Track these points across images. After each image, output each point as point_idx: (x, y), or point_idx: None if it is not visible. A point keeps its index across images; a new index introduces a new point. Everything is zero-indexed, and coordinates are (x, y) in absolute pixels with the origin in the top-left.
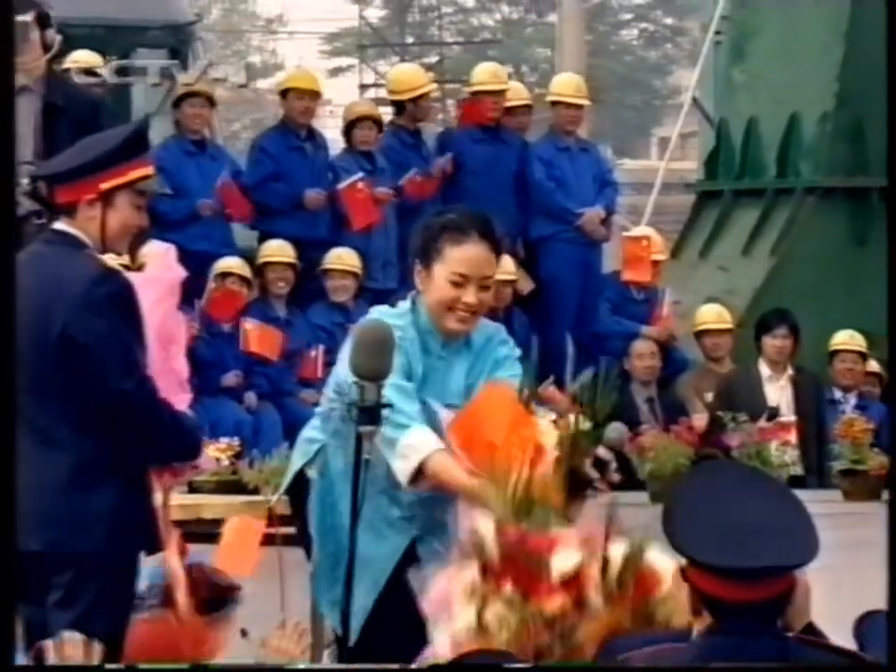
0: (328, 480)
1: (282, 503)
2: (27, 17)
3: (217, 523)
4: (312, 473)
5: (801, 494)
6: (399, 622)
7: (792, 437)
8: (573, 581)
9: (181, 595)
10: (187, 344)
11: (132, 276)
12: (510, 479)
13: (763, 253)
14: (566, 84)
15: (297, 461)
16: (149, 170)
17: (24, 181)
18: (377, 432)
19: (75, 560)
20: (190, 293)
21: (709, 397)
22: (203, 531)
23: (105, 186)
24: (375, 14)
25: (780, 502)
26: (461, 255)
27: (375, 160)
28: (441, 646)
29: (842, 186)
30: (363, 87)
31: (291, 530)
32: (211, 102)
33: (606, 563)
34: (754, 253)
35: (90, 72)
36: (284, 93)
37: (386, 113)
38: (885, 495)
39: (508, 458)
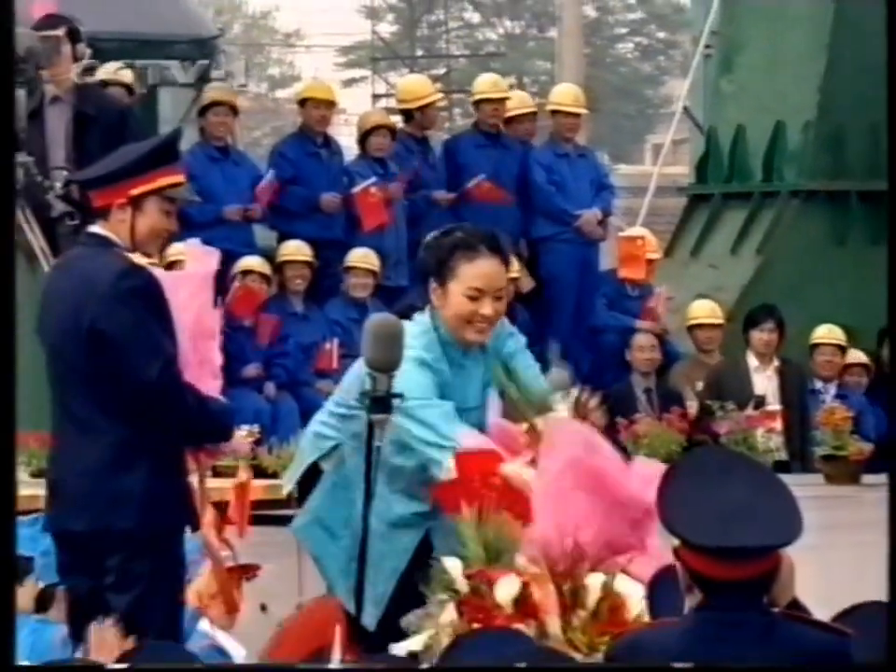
0: (343, 476)
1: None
2: (59, 32)
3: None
4: (326, 466)
5: (785, 478)
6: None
7: (778, 424)
8: (528, 610)
9: (217, 567)
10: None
11: (171, 273)
12: (486, 526)
13: (750, 252)
14: (565, 94)
15: (310, 455)
16: (179, 177)
17: (57, 185)
18: (388, 420)
19: (119, 539)
20: (214, 290)
21: (700, 386)
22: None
23: (133, 192)
24: (387, 29)
25: (766, 486)
26: (475, 271)
27: (388, 165)
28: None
29: (823, 189)
30: (375, 97)
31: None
32: (234, 110)
33: (583, 591)
34: (742, 252)
35: (119, 83)
36: (302, 103)
37: (396, 121)
38: (863, 478)
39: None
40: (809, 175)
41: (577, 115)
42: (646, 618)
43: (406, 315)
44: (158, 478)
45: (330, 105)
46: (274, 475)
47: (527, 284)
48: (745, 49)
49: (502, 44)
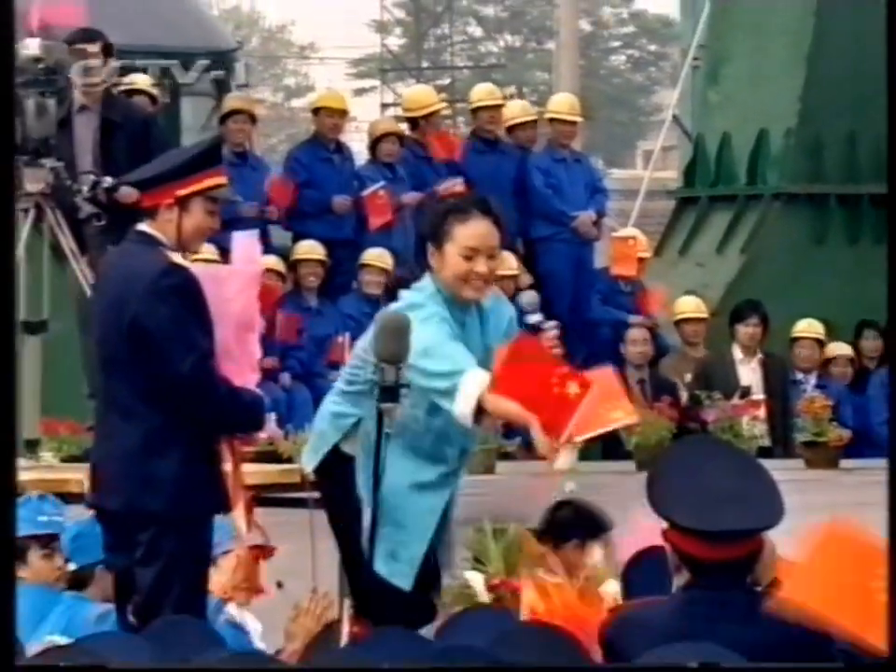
0: (369, 449)
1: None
2: (95, 47)
3: (256, 488)
4: (347, 448)
5: (768, 463)
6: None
7: (761, 413)
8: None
9: (246, 547)
10: None
11: (219, 268)
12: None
13: (735, 251)
14: (562, 103)
15: (332, 437)
16: (222, 179)
17: (85, 188)
18: (397, 409)
19: (150, 519)
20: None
21: (688, 377)
22: None
23: (180, 192)
24: (395, 42)
25: (749, 472)
26: (468, 232)
27: (396, 170)
28: None
29: (804, 192)
30: (384, 106)
31: (317, 495)
32: (252, 118)
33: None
34: (727, 251)
35: (143, 92)
36: (315, 111)
37: (403, 129)
38: (842, 463)
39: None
40: (790, 179)
41: (573, 122)
42: None
43: (398, 287)
44: (190, 464)
45: (342, 113)
46: (290, 460)
47: (526, 281)
48: (730, 61)
49: (503, 56)
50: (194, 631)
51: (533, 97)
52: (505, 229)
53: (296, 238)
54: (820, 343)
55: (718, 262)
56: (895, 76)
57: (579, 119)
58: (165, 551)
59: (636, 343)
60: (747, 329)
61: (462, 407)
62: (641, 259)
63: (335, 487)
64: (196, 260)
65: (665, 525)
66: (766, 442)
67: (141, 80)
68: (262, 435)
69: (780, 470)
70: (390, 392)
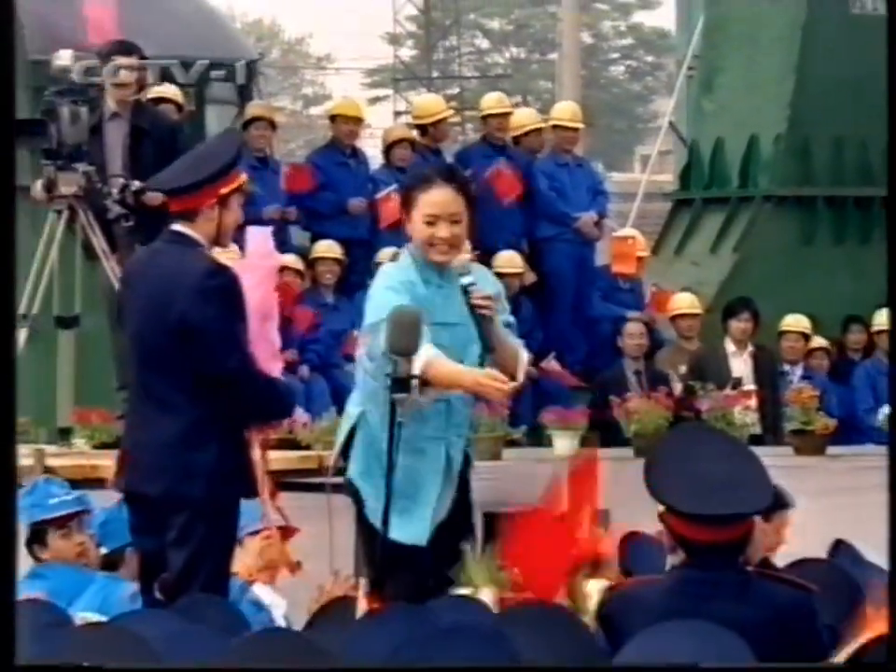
0: (368, 434)
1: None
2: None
3: (278, 473)
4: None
5: (759, 450)
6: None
7: (752, 402)
8: None
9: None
10: None
11: (238, 262)
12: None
13: (728, 250)
14: (564, 111)
15: (345, 427)
16: (245, 175)
17: (114, 191)
18: (408, 399)
19: (186, 504)
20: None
21: (683, 369)
22: None
23: (223, 191)
24: (407, 53)
25: (742, 458)
26: (429, 199)
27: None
28: None
29: (793, 195)
30: (397, 113)
31: (339, 480)
32: (273, 125)
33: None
34: (720, 250)
35: (170, 100)
36: (332, 119)
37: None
38: (828, 450)
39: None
40: (780, 182)
41: (575, 129)
42: None
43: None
44: (225, 453)
45: (358, 120)
46: (308, 447)
47: (530, 278)
48: (723, 71)
49: (509, 67)
50: (219, 609)
51: (537, 105)
52: (473, 196)
53: (314, 238)
54: (806, 337)
55: (711, 261)
56: (895, 77)
57: (580, 125)
58: (197, 534)
59: (632, 336)
60: (738, 324)
61: (409, 366)
62: (640, 258)
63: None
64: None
65: (661, 508)
66: (757, 430)
67: (168, 89)
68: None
69: (771, 457)
70: (402, 383)
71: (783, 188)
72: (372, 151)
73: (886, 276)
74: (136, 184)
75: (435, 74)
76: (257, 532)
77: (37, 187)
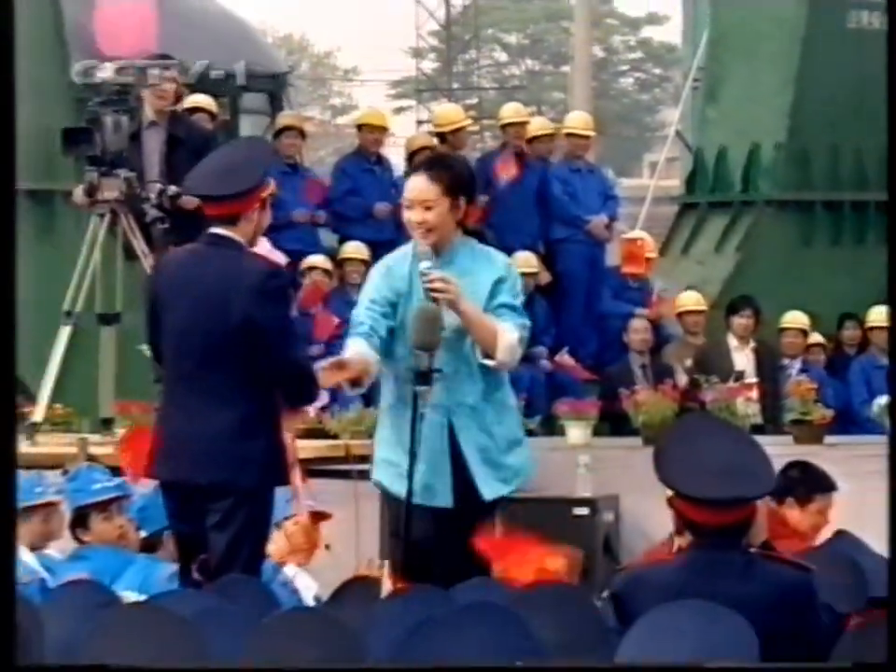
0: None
1: (357, 445)
2: (173, 73)
3: (307, 461)
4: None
5: (760, 439)
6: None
7: (754, 394)
8: None
9: (304, 512)
10: None
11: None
12: None
13: (731, 251)
14: (577, 120)
15: None
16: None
17: (152, 196)
18: (429, 391)
19: (236, 491)
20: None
21: (689, 363)
22: None
23: (263, 195)
24: (429, 66)
25: (744, 446)
26: (408, 186)
27: None
28: None
29: (792, 199)
30: (419, 123)
31: (364, 467)
32: (302, 134)
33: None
34: (724, 251)
35: (204, 110)
36: (359, 128)
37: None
38: (826, 439)
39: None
40: (780, 187)
41: (587, 137)
42: None
43: None
44: (273, 443)
45: (383, 129)
46: (335, 437)
47: (545, 277)
48: (726, 82)
49: (524, 79)
50: (253, 590)
51: (551, 115)
52: (458, 185)
53: (342, 240)
54: (805, 333)
55: (715, 261)
56: (895, 79)
57: (592, 133)
58: (240, 518)
59: (637, 331)
60: (741, 321)
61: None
62: (648, 259)
63: None
64: None
65: (669, 493)
66: (758, 420)
67: (202, 100)
68: (312, 414)
69: (771, 445)
70: (424, 377)
71: (783, 192)
72: (396, 158)
73: (882, 276)
74: (172, 189)
75: (455, 85)
76: (288, 517)
77: (78, 192)
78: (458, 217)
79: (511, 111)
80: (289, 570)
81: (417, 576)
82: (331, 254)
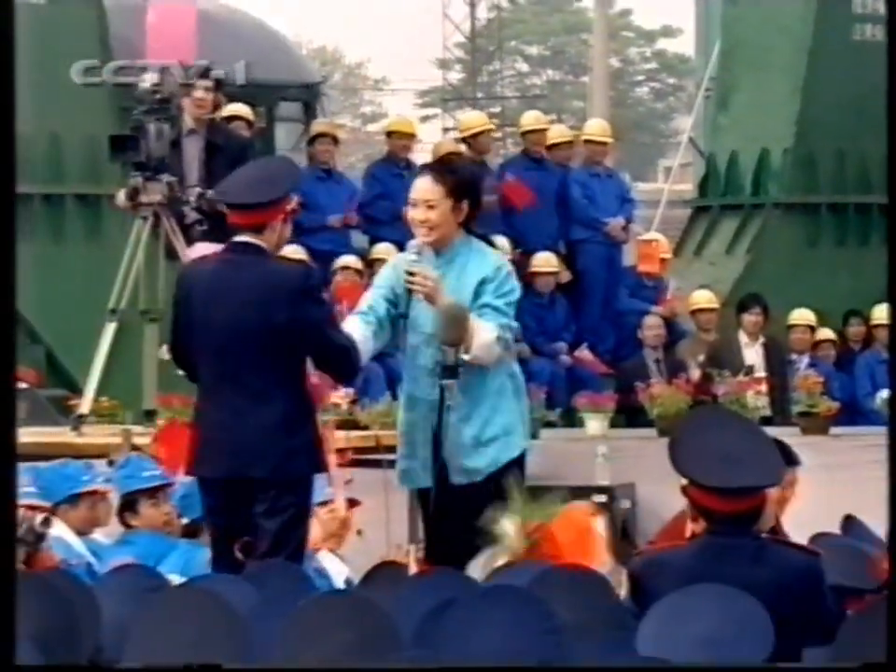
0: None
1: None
2: (209, 83)
3: (340, 451)
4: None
5: (769, 430)
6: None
7: (763, 388)
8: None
9: (340, 497)
10: None
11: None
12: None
13: (742, 252)
14: (595, 127)
15: None
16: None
17: (191, 199)
18: (455, 384)
19: (287, 482)
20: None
21: (701, 358)
22: None
23: (289, 207)
24: (455, 76)
25: (754, 437)
26: (413, 186)
27: None
28: None
29: (799, 202)
30: (445, 130)
31: (393, 457)
32: (335, 141)
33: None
34: (735, 252)
35: (241, 118)
36: (388, 135)
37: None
38: (832, 430)
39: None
40: (788, 190)
41: (605, 143)
42: None
43: None
44: (314, 435)
45: (411, 136)
46: (366, 428)
47: (566, 276)
48: (737, 91)
49: (545, 88)
50: (290, 573)
51: (570, 122)
52: (461, 186)
53: (372, 241)
54: (812, 329)
55: (727, 261)
56: (895, 79)
57: (609, 140)
58: (287, 505)
59: (650, 328)
60: (751, 318)
61: None
62: (663, 259)
63: None
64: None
65: (684, 481)
66: (767, 413)
67: (240, 108)
68: (344, 406)
69: (780, 436)
70: (451, 370)
71: (791, 196)
72: None
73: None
74: (211, 193)
75: (480, 94)
76: (322, 503)
77: (120, 195)
78: (460, 218)
79: (530, 119)
80: (322, 556)
81: (439, 559)
82: (362, 254)
